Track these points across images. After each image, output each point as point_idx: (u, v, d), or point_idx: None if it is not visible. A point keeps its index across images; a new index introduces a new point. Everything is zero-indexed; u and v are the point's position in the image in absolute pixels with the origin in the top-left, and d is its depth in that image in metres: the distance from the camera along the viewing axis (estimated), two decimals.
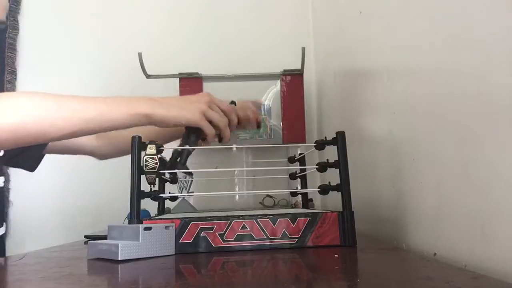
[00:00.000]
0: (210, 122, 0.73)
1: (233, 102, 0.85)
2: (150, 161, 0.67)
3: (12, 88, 1.54)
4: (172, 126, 0.72)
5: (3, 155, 0.95)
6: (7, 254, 1.09)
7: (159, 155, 0.69)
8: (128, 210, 0.66)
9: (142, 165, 0.67)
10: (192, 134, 0.74)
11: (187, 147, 0.73)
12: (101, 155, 1.03)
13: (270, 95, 1.45)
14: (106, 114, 0.68)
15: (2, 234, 0.96)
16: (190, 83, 1.39)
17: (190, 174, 0.77)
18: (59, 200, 1.53)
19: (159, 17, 1.64)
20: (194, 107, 0.71)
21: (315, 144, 0.74)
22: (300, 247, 0.66)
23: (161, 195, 0.78)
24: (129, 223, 0.65)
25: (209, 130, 0.72)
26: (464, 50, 0.57)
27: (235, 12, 1.63)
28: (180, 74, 1.41)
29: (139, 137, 0.67)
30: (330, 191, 0.71)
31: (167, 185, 0.93)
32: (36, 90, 0.69)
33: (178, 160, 0.73)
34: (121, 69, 1.57)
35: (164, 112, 0.70)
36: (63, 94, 0.69)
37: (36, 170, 1.03)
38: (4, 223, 0.97)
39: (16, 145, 0.68)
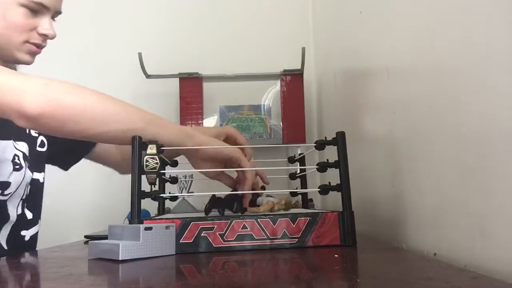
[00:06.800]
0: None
1: (262, 188, 0.89)
2: (150, 161, 0.67)
3: None
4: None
5: (46, 150, 0.97)
6: None
7: (159, 155, 0.69)
8: (128, 210, 0.66)
9: (142, 165, 0.67)
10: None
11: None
12: (122, 172, 1.12)
13: (270, 95, 1.45)
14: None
15: (37, 232, 0.95)
16: (190, 83, 1.40)
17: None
18: (59, 200, 1.53)
19: (159, 17, 1.64)
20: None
21: (315, 144, 0.74)
22: (300, 247, 0.66)
23: (161, 195, 0.78)
24: (129, 223, 0.65)
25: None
26: (464, 50, 0.57)
27: (235, 12, 1.63)
28: (180, 74, 1.41)
29: (140, 137, 0.68)
30: (330, 191, 0.71)
31: (167, 185, 0.93)
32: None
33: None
34: (121, 69, 1.57)
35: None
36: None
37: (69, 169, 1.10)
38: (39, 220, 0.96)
39: (55, 128, 0.67)
